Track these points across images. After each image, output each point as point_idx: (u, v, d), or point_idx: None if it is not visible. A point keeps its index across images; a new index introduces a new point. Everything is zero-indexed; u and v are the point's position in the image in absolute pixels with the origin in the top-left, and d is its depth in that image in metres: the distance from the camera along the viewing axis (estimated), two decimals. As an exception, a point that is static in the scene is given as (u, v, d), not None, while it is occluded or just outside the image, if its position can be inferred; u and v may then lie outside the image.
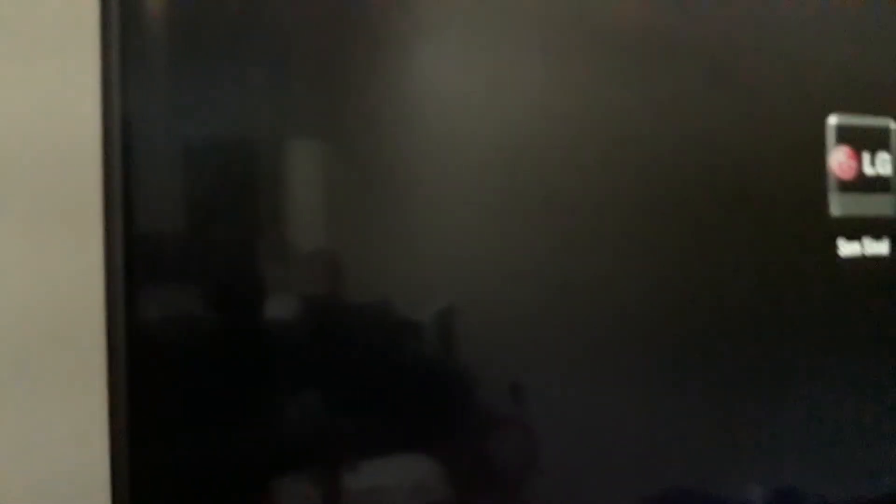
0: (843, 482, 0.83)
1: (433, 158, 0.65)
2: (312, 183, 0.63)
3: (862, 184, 0.83)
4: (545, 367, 0.68)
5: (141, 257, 0.56)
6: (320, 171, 0.63)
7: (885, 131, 0.85)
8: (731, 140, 0.77)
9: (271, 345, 0.60)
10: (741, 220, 0.77)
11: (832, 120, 0.82)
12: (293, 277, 0.62)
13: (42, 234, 0.55)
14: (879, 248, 0.84)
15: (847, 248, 0.82)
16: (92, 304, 0.55)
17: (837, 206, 0.82)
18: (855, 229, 0.83)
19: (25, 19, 0.55)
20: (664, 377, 0.74)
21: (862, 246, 0.83)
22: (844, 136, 0.82)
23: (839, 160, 0.82)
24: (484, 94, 0.67)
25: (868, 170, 0.84)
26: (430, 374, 0.66)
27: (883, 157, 0.84)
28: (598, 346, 0.71)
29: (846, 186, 0.82)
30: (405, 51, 0.65)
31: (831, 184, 0.82)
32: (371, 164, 0.63)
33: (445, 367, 0.67)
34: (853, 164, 0.83)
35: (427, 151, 0.65)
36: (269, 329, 0.61)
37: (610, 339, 0.71)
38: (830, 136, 0.81)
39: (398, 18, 0.65)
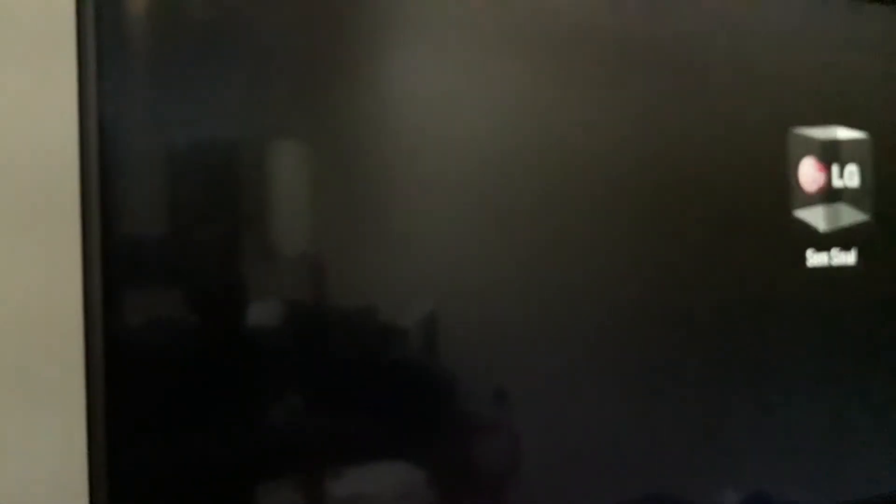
0: (817, 486, 0.84)
1: (417, 164, 0.65)
2: (294, 187, 0.62)
3: (830, 196, 0.85)
4: (528, 373, 0.69)
5: (119, 261, 0.55)
6: (302, 176, 0.63)
7: (853, 144, 0.87)
8: (701, 153, 0.78)
9: (253, 350, 0.60)
10: (712, 232, 0.78)
11: (801, 132, 0.83)
12: (275, 282, 0.61)
13: (19, 238, 0.54)
14: (847, 258, 0.86)
15: (816, 259, 0.84)
16: (70, 309, 0.54)
17: (806, 217, 0.83)
18: (823, 240, 0.84)
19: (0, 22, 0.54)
20: (644, 383, 0.74)
21: (830, 256, 0.85)
22: (813, 148, 0.84)
23: (807, 172, 0.84)
24: (468, 100, 0.67)
25: (837, 182, 0.85)
26: (414, 380, 0.65)
27: (851, 170, 0.86)
28: (580, 352, 0.71)
29: (814, 199, 0.84)
30: (390, 55, 0.65)
31: (800, 196, 0.83)
32: (355, 169, 0.63)
33: (429, 374, 0.66)
34: (821, 176, 0.84)
35: (411, 157, 0.65)
36: (250, 334, 0.60)
37: (591, 346, 0.72)
38: (799, 149, 0.83)
39: (382, 21, 0.65)
